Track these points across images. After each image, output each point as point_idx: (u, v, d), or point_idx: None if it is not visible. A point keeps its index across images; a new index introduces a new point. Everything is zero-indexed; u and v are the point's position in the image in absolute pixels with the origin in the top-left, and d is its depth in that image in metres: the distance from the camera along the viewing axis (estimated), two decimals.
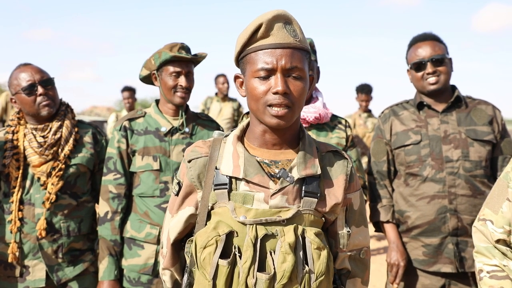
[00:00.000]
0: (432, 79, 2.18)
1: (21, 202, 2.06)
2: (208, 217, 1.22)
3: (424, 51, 2.19)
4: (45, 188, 2.06)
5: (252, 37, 1.16)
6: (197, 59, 2.13)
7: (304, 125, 2.10)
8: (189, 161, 1.25)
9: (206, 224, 1.21)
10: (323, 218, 1.23)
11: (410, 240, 2.22)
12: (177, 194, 1.29)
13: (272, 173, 1.20)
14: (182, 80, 2.09)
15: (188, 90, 2.12)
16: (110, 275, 2.04)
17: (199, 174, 1.23)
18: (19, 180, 2.05)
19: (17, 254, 2.03)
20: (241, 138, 1.26)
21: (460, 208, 2.11)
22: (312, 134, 2.11)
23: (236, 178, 1.19)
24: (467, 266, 2.11)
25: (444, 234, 2.13)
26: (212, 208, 1.21)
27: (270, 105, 1.14)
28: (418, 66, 2.20)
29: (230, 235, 1.14)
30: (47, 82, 2.10)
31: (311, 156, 1.22)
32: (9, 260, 2.02)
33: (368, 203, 2.37)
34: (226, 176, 1.19)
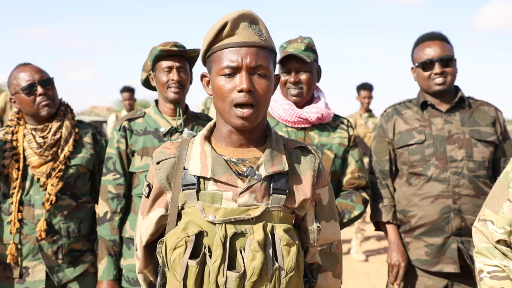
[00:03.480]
0: (439, 80, 2.17)
1: (21, 203, 2.05)
2: (179, 217, 1.22)
3: (433, 51, 2.18)
4: (45, 189, 2.06)
5: (218, 36, 1.17)
6: (188, 54, 2.13)
7: (306, 126, 2.10)
8: (158, 163, 1.25)
9: (176, 225, 1.21)
10: (293, 214, 1.24)
11: (413, 240, 2.22)
12: (147, 196, 1.29)
13: (240, 172, 1.21)
14: (173, 75, 2.09)
15: (181, 85, 2.11)
16: (109, 275, 2.04)
17: (168, 175, 1.24)
18: (18, 181, 2.04)
19: (15, 255, 2.02)
20: (208, 138, 1.27)
21: (463, 208, 2.11)
22: (315, 134, 2.10)
23: (204, 178, 1.19)
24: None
25: (447, 234, 2.13)
26: (182, 209, 1.22)
27: (236, 105, 1.16)
28: (425, 65, 2.19)
29: (199, 235, 1.14)
30: (47, 82, 2.09)
31: (278, 153, 1.23)
32: (8, 261, 2.02)
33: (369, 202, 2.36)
34: (194, 176, 1.19)
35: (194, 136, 1.30)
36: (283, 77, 2.09)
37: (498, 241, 1.43)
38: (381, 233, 6.73)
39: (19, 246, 2.04)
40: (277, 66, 2.08)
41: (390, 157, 2.30)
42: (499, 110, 2.26)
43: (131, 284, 2.07)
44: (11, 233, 2.02)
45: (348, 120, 2.23)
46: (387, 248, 5.78)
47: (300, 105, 2.12)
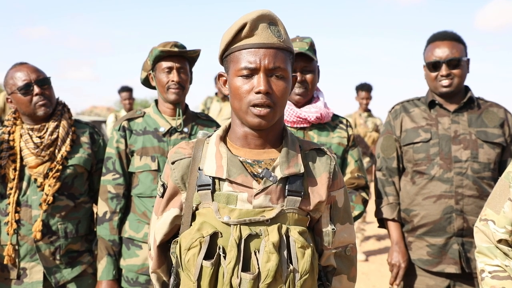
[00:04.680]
0: (445, 82, 2.16)
1: (18, 204, 2.03)
2: (193, 217, 1.22)
3: (441, 52, 2.16)
4: (42, 190, 2.04)
5: (237, 36, 1.16)
6: (188, 54, 2.12)
7: (305, 125, 2.09)
8: (173, 163, 1.25)
9: (191, 225, 1.21)
10: (308, 216, 1.23)
11: (415, 239, 2.21)
12: (162, 196, 1.29)
13: (255, 173, 1.20)
14: (173, 75, 2.08)
15: (181, 86, 2.10)
16: (108, 275, 2.04)
17: (183, 176, 1.23)
18: (15, 181, 2.03)
19: (12, 256, 2.01)
20: (223, 138, 1.27)
21: (466, 209, 2.10)
22: (314, 134, 2.10)
23: (220, 179, 1.19)
24: (472, 267, 2.10)
25: (449, 234, 2.12)
26: (197, 209, 1.21)
27: (253, 105, 1.15)
28: (433, 66, 2.18)
29: (214, 236, 1.14)
30: (43, 82, 2.07)
31: (294, 155, 1.23)
32: (5, 262, 2.01)
33: (373, 199, 2.36)
34: (209, 176, 1.19)
35: (209, 137, 1.29)
36: None
37: (500, 241, 1.42)
38: (381, 233, 6.76)
39: (16, 247, 2.03)
40: None
41: (398, 154, 2.29)
42: (509, 112, 2.24)
43: (131, 284, 2.07)
44: (8, 234, 2.01)
45: (347, 120, 2.23)
46: (387, 248, 5.79)
47: (299, 105, 2.11)
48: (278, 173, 1.18)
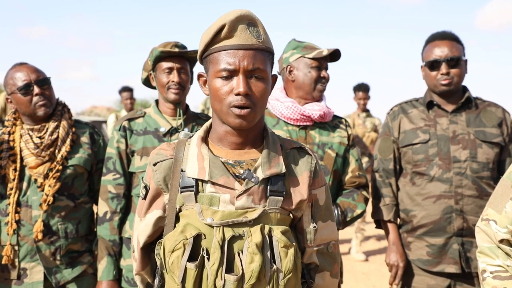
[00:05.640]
0: (445, 81, 2.16)
1: (18, 204, 2.03)
2: (177, 219, 1.22)
3: (441, 51, 2.17)
4: (42, 190, 2.04)
5: (215, 37, 1.16)
6: (188, 55, 2.12)
7: (308, 123, 2.11)
8: (154, 164, 1.25)
9: (175, 227, 1.21)
10: (290, 215, 1.24)
11: (415, 240, 2.22)
12: (144, 198, 1.29)
13: (237, 174, 1.20)
14: (174, 76, 2.08)
15: (181, 86, 2.10)
16: (108, 275, 2.04)
17: (165, 177, 1.23)
18: (15, 181, 2.02)
19: (11, 256, 2.01)
20: (205, 139, 1.27)
21: (466, 209, 2.10)
22: (315, 133, 2.12)
23: (202, 180, 1.19)
24: (472, 266, 2.10)
25: (449, 234, 2.13)
26: (180, 210, 1.21)
27: (233, 107, 1.15)
28: (432, 65, 2.19)
29: (197, 238, 1.14)
30: (43, 82, 2.07)
31: (275, 155, 1.23)
32: (3, 262, 2.00)
33: (371, 200, 2.36)
34: (192, 178, 1.19)
35: (190, 137, 1.29)
36: (314, 72, 2.09)
37: (501, 241, 1.42)
38: (381, 233, 6.74)
39: (16, 247, 2.03)
40: (305, 60, 2.11)
41: (395, 155, 2.30)
42: (507, 112, 2.25)
43: (131, 284, 2.06)
44: (8, 234, 2.00)
45: (346, 120, 2.26)
46: (387, 248, 5.78)
47: (303, 103, 2.13)
48: (260, 174, 1.19)
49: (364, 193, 2.15)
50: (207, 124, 1.30)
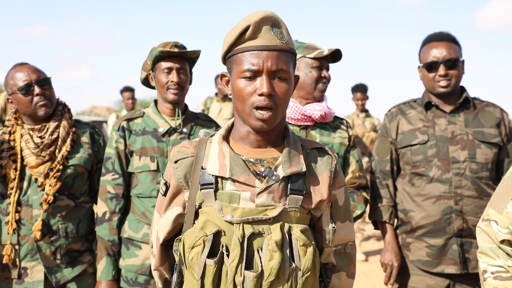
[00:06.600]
0: (443, 82, 2.16)
1: (19, 203, 2.04)
2: (196, 216, 1.23)
3: (439, 52, 2.16)
4: (43, 190, 2.04)
5: (240, 38, 1.17)
6: (188, 55, 2.12)
7: (309, 123, 2.11)
8: (176, 162, 1.26)
9: (194, 223, 1.22)
10: (309, 214, 1.25)
11: (414, 240, 2.21)
12: (164, 195, 1.30)
13: (258, 172, 1.21)
14: (173, 76, 2.08)
15: (180, 86, 2.10)
16: (108, 275, 2.04)
17: (186, 174, 1.25)
18: (16, 181, 2.03)
19: (12, 256, 2.01)
20: (226, 138, 1.28)
21: (465, 209, 2.10)
22: (316, 133, 2.12)
23: (222, 178, 1.20)
24: (471, 267, 2.10)
25: (448, 235, 2.13)
26: (200, 207, 1.23)
27: (256, 108, 1.17)
28: (430, 66, 2.18)
29: (217, 235, 1.15)
30: (44, 82, 2.08)
31: (296, 154, 1.24)
32: (4, 261, 2.01)
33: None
34: (212, 175, 1.20)
35: (212, 136, 1.30)
36: (315, 72, 2.09)
37: (502, 241, 1.42)
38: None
39: (17, 246, 2.03)
40: (306, 60, 2.11)
41: (392, 157, 2.30)
42: (505, 112, 2.24)
43: (130, 284, 2.07)
44: (8, 233, 2.01)
45: (346, 121, 2.26)
46: None
47: (304, 103, 2.14)
48: (281, 172, 1.19)
49: (364, 194, 2.16)
50: (228, 123, 1.31)
